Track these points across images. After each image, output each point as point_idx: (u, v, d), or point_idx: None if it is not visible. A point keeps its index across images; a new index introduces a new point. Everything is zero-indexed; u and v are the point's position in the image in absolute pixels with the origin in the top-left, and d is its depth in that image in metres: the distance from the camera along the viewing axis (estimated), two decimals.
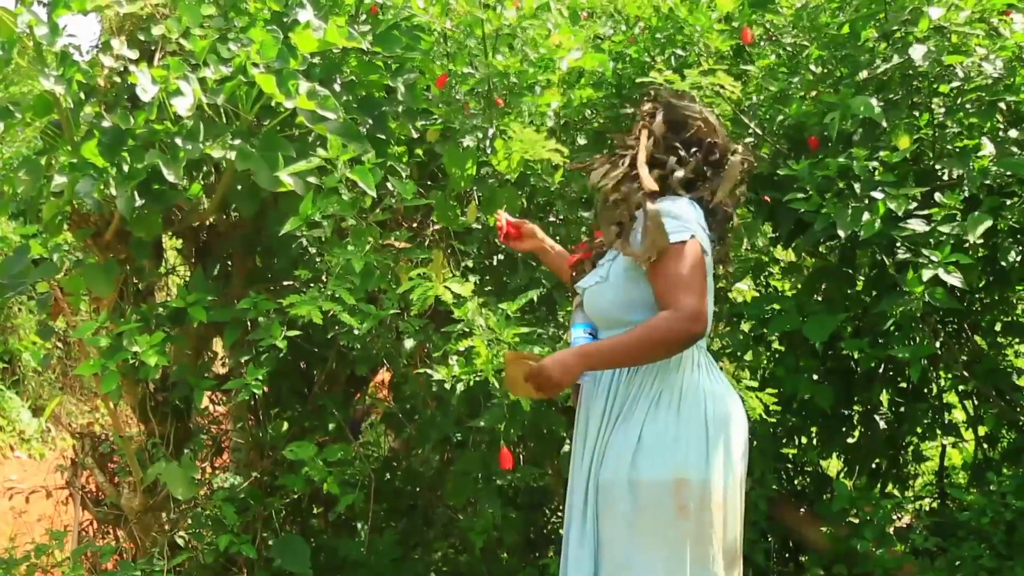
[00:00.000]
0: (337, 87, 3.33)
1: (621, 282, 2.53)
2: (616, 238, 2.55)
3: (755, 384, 3.09)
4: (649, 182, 2.52)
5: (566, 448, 3.66)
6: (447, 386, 3.17)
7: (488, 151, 3.40)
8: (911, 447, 4.35)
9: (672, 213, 2.45)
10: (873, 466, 4.32)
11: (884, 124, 3.28)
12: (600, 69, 3.53)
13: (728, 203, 2.61)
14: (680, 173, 2.56)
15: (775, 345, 4.19)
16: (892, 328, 3.49)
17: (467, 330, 2.96)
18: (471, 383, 3.02)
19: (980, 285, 3.73)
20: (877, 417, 4.17)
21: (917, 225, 3.19)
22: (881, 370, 4.04)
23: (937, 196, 3.19)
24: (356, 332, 3.29)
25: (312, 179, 3.05)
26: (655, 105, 2.68)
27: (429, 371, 3.21)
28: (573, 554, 2.53)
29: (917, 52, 3.21)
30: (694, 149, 2.60)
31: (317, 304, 2.99)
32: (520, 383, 2.49)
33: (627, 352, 2.40)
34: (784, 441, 4.26)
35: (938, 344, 3.67)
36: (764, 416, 3.09)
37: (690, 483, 2.43)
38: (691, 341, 2.38)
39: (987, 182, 3.22)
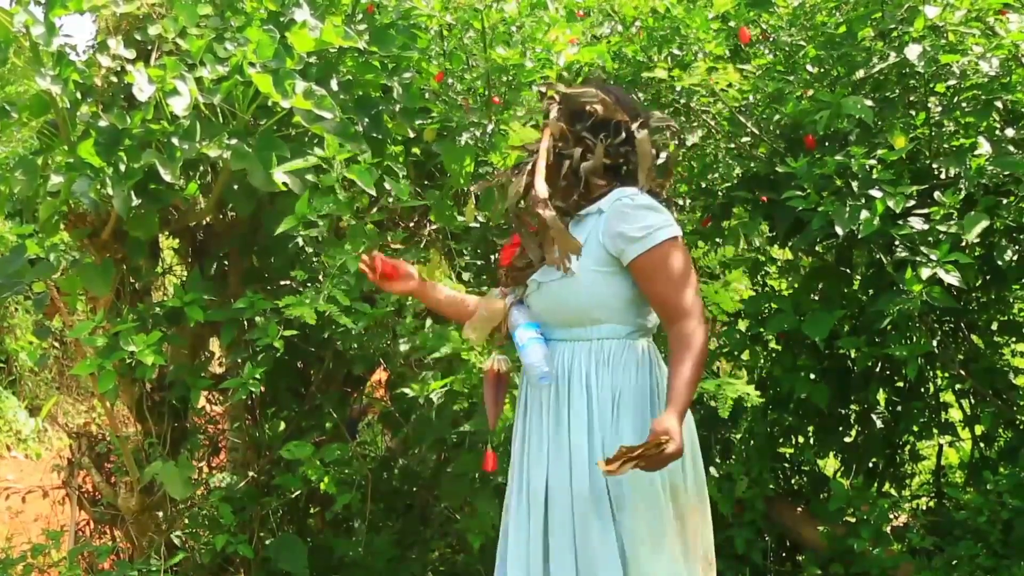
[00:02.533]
0: (334, 86, 3.33)
1: (592, 276, 2.42)
2: (540, 250, 2.47)
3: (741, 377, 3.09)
4: (541, 189, 2.43)
5: None
6: (420, 400, 3.20)
7: (487, 147, 3.41)
8: (908, 446, 4.35)
9: (650, 206, 2.40)
10: (870, 465, 4.33)
11: (875, 124, 3.28)
12: (600, 61, 3.51)
13: (659, 188, 2.52)
14: (589, 163, 2.45)
15: (772, 344, 4.19)
16: (889, 327, 3.49)
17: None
18: (454, 394, 3.03)
19: (977, 284, 3.73)
20: (874, 416, 4.17)
21: (916, 224, 3.19)
22: (878, 369, 4.05)
23: (936, 195, 3.19)
24: (352, 332, 3.30)
25: (309, 178, 3.05)
26: (550, 101, 2.56)
27: (405, 390, 3.24)
28: (567, 561, 2.39)
29: (913, 51, 3.21)
30: (602, 134, 2.48)
31: (312, 306, 2.99)
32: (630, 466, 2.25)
33: (694, 381, 2.30)
34: (781, 440, 4.26)
35: (935, 343, 3.68)
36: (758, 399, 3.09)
37: (687, 486, 2.45)
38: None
39: (983, 181, 3.23)
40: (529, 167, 2.51)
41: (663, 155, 2.59)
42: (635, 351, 2.45)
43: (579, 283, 2.42)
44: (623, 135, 2.48)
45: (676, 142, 2.66)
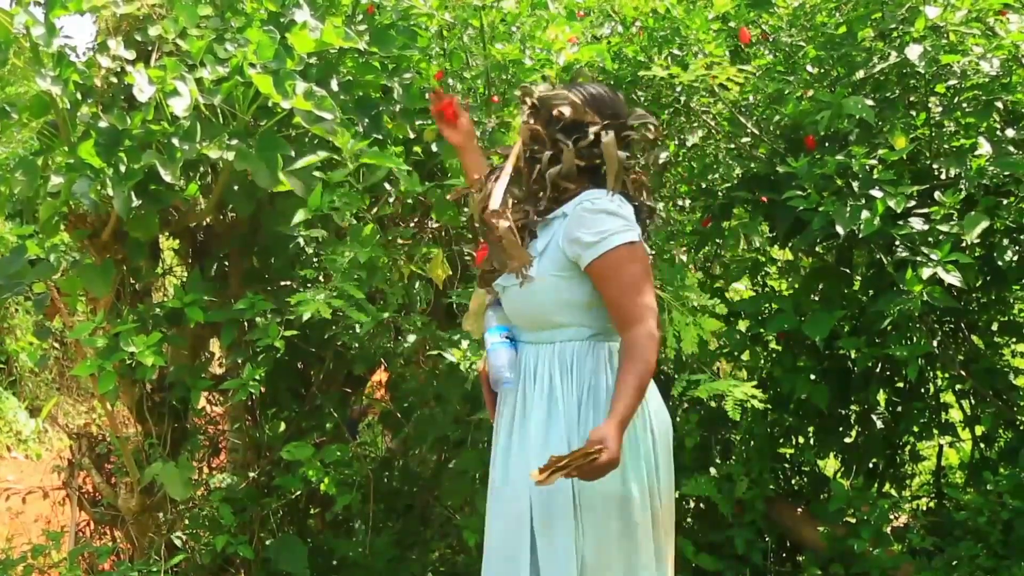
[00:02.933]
0: (334, 87, 3.33)
1: (553, 281, 2.40)
2: (504, 260, 2.46)
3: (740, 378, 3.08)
4: (494, 201, 2.45)
5: None
6: (462, 368, 3.17)
7: (487, 146, 3.40)
8: (908, 447, 4.35)
9: (609, 210, 2.36)
10: (870, 466, 4.33)
11: (875, 124, 3.28)
12: (599, 60, 3.51)
13: (640, 190, 2.50)
14: (555, 168, 2.43)
15: (772, 345, 4.19)
16: (889, 327, 3.49)
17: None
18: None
19: (977, 284, 3.73)
20: (874, 417, 4.18)
21: (916, 224, 3.19)
22: (878, 370, 4.05)
23: (937, 195, 3.19)
24: (355, 332, 3.30)
25: (317, 174, 3.05)
26: (524, 104, 2.55)
27: (443, 353, 3.21)
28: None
29: (914, 52, 3.21)
30: (576, 136, 2.45)
31: (325, 302, 2.98)
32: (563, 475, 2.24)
33: (638, 391, 2.25)
34: (781, 441, 4.26)
35: (935, 343, 3.68)
36: (760, 405, 3.08)
37: (660, 489, 2.43)
38: (661, 342, 2.33)
39: (984, 182, 3.23)
40: (496, 175, 2.53)
41: (651, 156, 2.56)
42: (599, 354, 2.42)
43: (540, 287, 2.41)
44: (591, 137, 2.44)
45: (658, 140, 2.59)
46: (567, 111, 2.45)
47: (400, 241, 3.44)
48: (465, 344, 3.23)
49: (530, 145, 2.49)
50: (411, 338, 3.51)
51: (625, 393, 2.23)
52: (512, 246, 2.40)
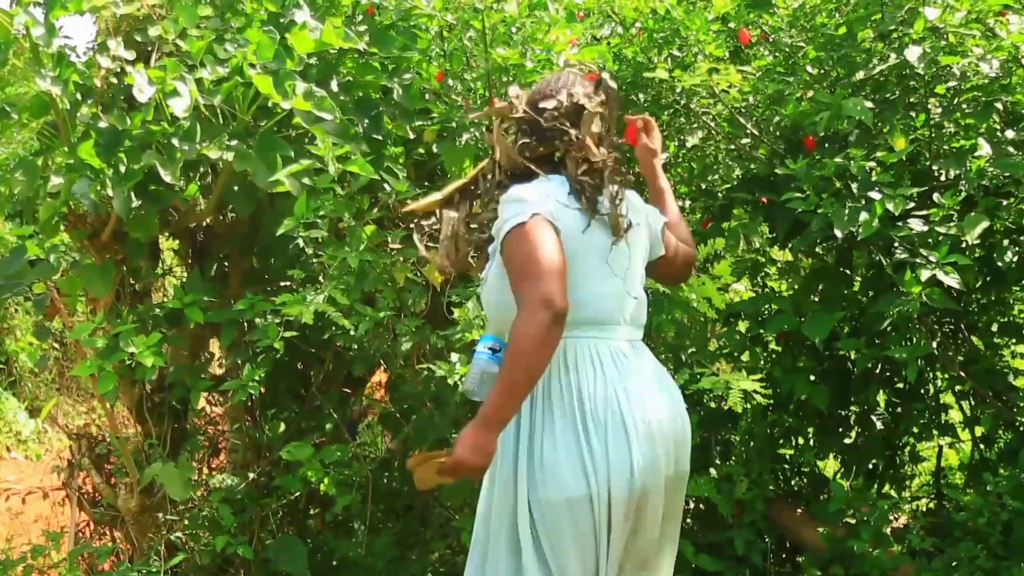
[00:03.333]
0: (334, 88, 3.33)
1: (496, 283, 2.39)
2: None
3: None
4: (423, 202, 2.63)
5: None
6: (450, 382, 3.17)
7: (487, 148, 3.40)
8: (908, 448, 4.35)
9: (513, 197, 2.33)
10: (870, 467, 4.32)
11: (875, 126, 3.28)
12: (600, 61, 3.51)
13: (592, 165, 2.42)
14: (496, 170, 2.50)
15: (772, 346, 4.19)
16: (889, 328, 3.48)
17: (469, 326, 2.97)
18: None
19: (977, 285, 3.73)
20: (874, 418, 4.17)
21: (915, 225, 3.19)
22: (878, 371, 4.04)
23: (936, 197, 3.19)
24: (352, 333, 3.30)
25: (306, 179, 3.05)
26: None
27: (431, 366, 3.21)
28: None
29: (913, 53, 3.21)
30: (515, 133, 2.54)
31: (309, 305, 2.99)
32: (433, 479, 2.28)
33: (512, 385, 2.17)
34: (781, 442, 4.26)
35: (935, 344, 3.67)
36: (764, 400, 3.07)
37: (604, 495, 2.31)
38: (555, 329, 2.17)
39: (983, 183, 3.22)
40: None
41: (584, 124, 2.46)
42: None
43: (488, 289, 2.45)
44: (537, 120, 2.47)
45: (587, 104, 2.50)
46: (506, 110, 2.53)
47: (395, 245, 3.44)
48: (455, 357, 3.22)
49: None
50: (405, 342, 3.50)
51: (495, 390, 2.19)
52: (447, 239, 2.53)
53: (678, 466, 2.46)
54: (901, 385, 4.15)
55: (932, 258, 3.09)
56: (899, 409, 4.17)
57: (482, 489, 2.48)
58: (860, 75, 3.41)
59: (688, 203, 4.10)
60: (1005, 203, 3.29)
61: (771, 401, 3.17)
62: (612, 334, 2.41)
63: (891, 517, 3.98)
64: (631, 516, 2.35)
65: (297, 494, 3.85)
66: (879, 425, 4.17)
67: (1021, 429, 3.91)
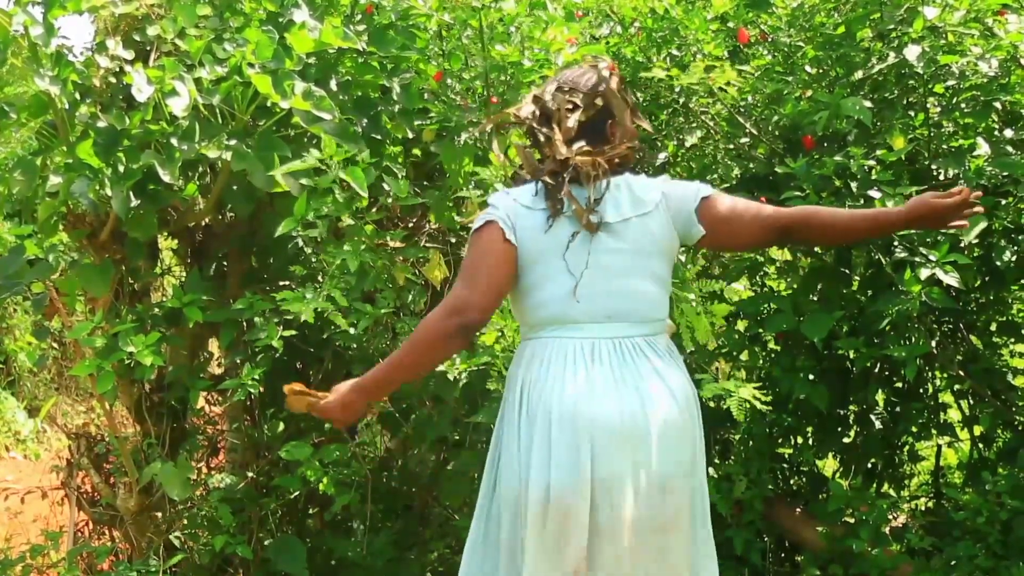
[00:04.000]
0: (333, 87, 3.33)
1: None
2: None
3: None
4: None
5: None
6: (450, 377, 3.17)
7: (486, 147, 3.41)
8: (907, 447, 4.35)
9: (489, 202, 2.42)
10: (869, 466, 4.32)
11: (874, 125, 3.28)
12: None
13: (560, 160, 2.37)
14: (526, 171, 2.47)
15: (771, 345, 4.19)
16: (888, 328, 3.49)
17: None
18: (472, 375, 3.02)
19: (975, 285, 3.73)
20: (873, 417, 4.17)
21: None
22: (877, 370, 4.05)
23: None
24: (352, 332, 3.30)
25: (305, 180, 3.04)
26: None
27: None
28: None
29: (912, 52, 3.21)
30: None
31: (310, 303, 2.99)
32: (301, 410, 2.45)
33: (397, 366, 2.30)
34: (780, 441, 4.26)
35: (934, 344, 3.68)
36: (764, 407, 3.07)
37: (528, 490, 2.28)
38: (456, 339, 2.25)
39: (982, 182, 3.23)
40: None
41: (568, 119, 2.43)
42: (523, 349, 2.42)
43: None
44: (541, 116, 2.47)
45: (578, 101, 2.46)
46: (523, 114, 2.49)
47: (395, 244, 3.44)
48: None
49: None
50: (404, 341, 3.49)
51: (381, 364, 2.35)
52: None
53: (642, 468, 2.30)
54: (900, 384, 4.15)
55: (931, 257, 3.09)
56: (898, 408, 4.17)
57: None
58: (859, 74, 3.41)
59: None
60: (1004, 202, 3.29)
61: (770, 404, 3.17)
62: (579, 332, 2.35)
63: (890, 516, 3.98)
64: (555, 520, 2.26)
65: (296, 493, 3.85)
66: (878, 424, 4.17)
67: (1020, 428, 3.92)
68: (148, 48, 3.37)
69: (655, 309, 2.42)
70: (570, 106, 2.42)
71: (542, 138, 2.43)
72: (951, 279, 3.06)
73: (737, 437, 4.18)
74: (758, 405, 3.01)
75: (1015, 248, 3.38)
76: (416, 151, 3.65)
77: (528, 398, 2.33)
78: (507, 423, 2.37)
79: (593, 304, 2.35)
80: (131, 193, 3.13)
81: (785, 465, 4.31)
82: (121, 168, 3.07)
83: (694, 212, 2.42)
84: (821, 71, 3.57)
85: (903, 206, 2.40)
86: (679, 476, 2.37)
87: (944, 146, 3.46)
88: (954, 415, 4.39)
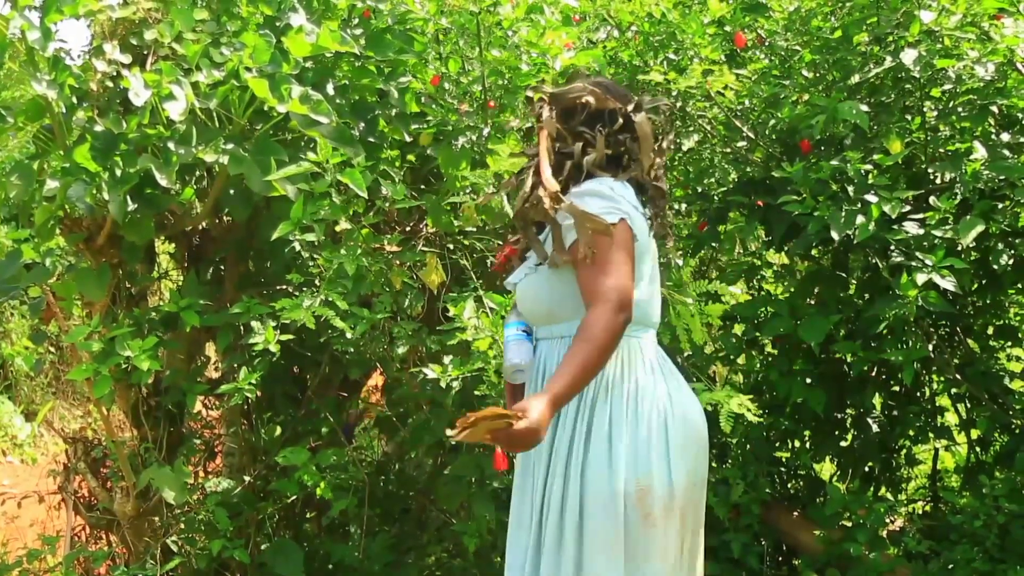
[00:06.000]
0: (330, 91, 3.33)
1: (548, 274, 2.38)
2: (545, 252, 2.40)
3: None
4: (551, 183, 2.35)
5: None
6: (443, 384, 3.17)
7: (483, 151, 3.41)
8: (904, 450, 4.35)
9: (597, 192, 2.33)
10: (866, 469, 4.33)
11: (870, 129, 3.29)
12: (595, 65, 3.51)
13: (658, 173, 2.47)
14: (591, 155, 2.39)
15: (768, 349, 4.19)
16: (885, 331, 3.49)
17: (463, 327, 2.97)
18: (465, 382, 3.02)
19: (972, 288, 3.74)
20: (870, 421, 4.17)
21: (911, 228, 3.19)
22: (874, 374, 4.05)
23: (932, 200, 3.19)
24: (349, 336, 3.29)
25: (302, 184, 3.04)
26: (541, 102, 2.49)
27: (424, 370, 3.21)
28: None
29: (909, 56, 3.21)
30: (598, 125, 2.42)
31: (310, 309, 2.99)
32: (482, 438, 2.09)
33: (586, 372, 2.16)
34: (777, 445, 4.26)
35: (931, 347, 3.68)
36: (755, 418, 3.07)
37: (652, 489, 2.31)
38: (624, 328, 2.22)
39: (979, 186, 3.23)
40: (532, 169, 2.45)
41: (666, 138, 2.55)
42: (619, 349, 2.36)
43: (539, 280, 2.41)
44: (620, 121, 2.44)
45: (669, 126, 2.61)
46: (592, 100, 2.44)
47: (392, 248, 3.44)
48: (447, 359, 3.22)
49: (554, 142, 2.46)
50: (401, 345, 3.49)
51: (565, 372, 2.14)
52: (584, 216, 2.29)
53: (704, 470, 2.47)
54: (897, 388, 4.16)
55: (928, 261, 3.09)
56: (895, 412, 4.17)
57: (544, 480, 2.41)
58: (856, 78, 3.42)
59: (684, 206, 4.11)
60: (1000, 206, 3.30)
61: (766, 409, 3.17)
62: (653, 336, 2.47)
63: (887, 520, 3.99)
64: (674, 516, 2.35)
65: (293, 498, 3.84)
66: (875, 428, 4.17)
67: (1017, 432, 3.92)
68: (145, 52, 3.37)
69: None
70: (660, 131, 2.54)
71: (659, 143, 2.50)
72: (948, 283, 3.07)
73: (734, 441, 4.18)
74: (750, 416, 3.01)
75: (1012, 252, 3.38)
76: (411, 156, 3.65)
77: (639, 396, 2.35)
78: (613, 419, 2.34)
79: (658, 308, 2.48)
80: (128, 197, 3.12)
81: (782, 469, 4.31)
82: (118, 172, 3.06)
83: None
84: (818, 75, 3.58)
85: None
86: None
87: (941, 150, 3.46)
88: (951, 419, 4.39)
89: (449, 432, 2.00)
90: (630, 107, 2.45)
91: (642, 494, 2.29)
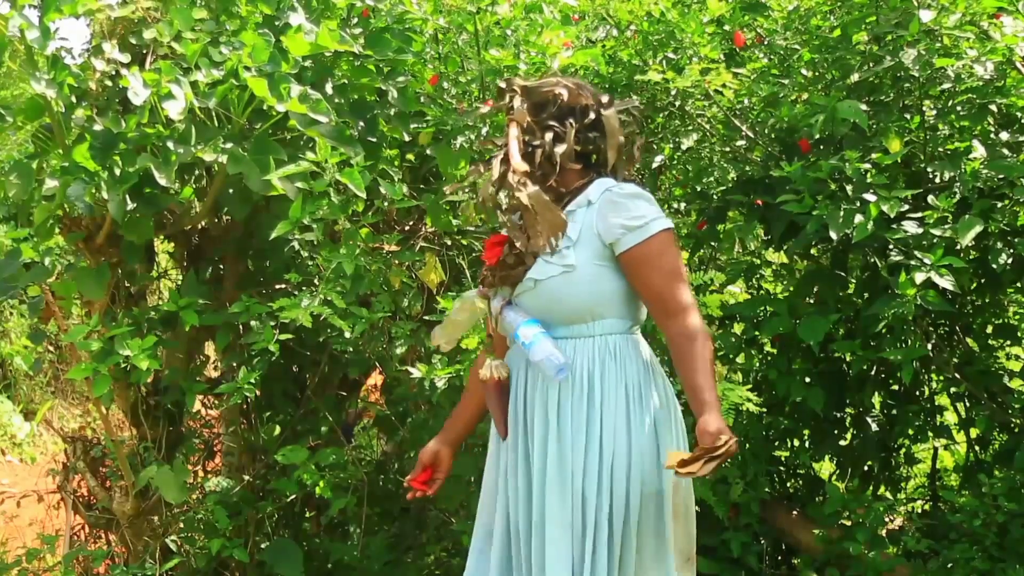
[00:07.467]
0: (329, 90, 3.33)
1: (594, 270, 2.35)
2: (528, 239, 2.39)
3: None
4: (520, 164, 2.36)
5: None
6: (425, 384, 3.18)
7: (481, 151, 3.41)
8: (903, 449, 4.35)
9: (644, 196, 2.37)
10: (865, 468, 4.33)
11: (869, 128, 3.28)
12: (594, 64, 3.51)
13: (627, 176, 2.50)
14: (561, 147, 2.39)
15: (767, 348, 4.19)
16: (884, 331, 3.49)
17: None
18: (455, 381, 3.02)
19: (971, 288, 3.74)
20: (869, 420, 4.17)
21: (910, 227, 3.19)
22: (873, 373, 4.05)
23: (931, 199, 3.19)
24: (348, 336, 3.29)
25: (301, 183, 3.04)
26: (512, 94, 2.49)
27: (410, 368, 3.22)
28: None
29: (908, 55, 3.21)
30: (569, 120, 2.43)
31: (308, 308, 2.99)
32: (706, 471, 2.11)
33: (713, 373, 2.26)
34: (776, 444, 4.26)
35: (930, 347, 3.68)
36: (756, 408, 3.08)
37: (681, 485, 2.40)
38: None
39: (978, 185, 3.23)
40: (501, 157, 2.43)
41: (636, 143, 2.57)
42: (638, 345, 2.44)
43: (580, 278, 2.35)
44: (591, 116, 2.45)
45: (638, 128, 2.62)
46: (564, 94, 2.45)
47: (391, 247, 3.44)
48: (436, 359, 3.23)
49: (523, 134, 2.45)
50: (400, 345, 3.50)
51: (709, 382, 2.22)
52: (545, 207, 2.32)
53: None
54: (896, 387, 4.15)
55: (927, 260, 3.09)
56: (894, 411, 4.17)
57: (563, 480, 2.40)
58: (855, 77, 3.41)
59: (683, 205, 4.11)
60: (999, 205, 3.29)
61: (765, 407, 3.18)
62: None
63: (886, 519, 3.99)
64: (689, 508, 2.48)
65: (292, 497, 3.84)
66: (874, 427, 4.17)
67: (1016, 431, 3.92)
68: (144, 51, 3.36)
69: None
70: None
71: (631, 144, 2.55)
72: (947, 282, 3.06)
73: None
74: (751, 407, 3.02)
75: (1011, 251, 3.38)
76: (410, 156, 3.65)
77: (666, 390, 2.45)
78: (661, 415, 2.39)
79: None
80: (127, 196, 3.12)
81: (782, 468, 4.31)
82: (117, 171, 3.06)
83: None
84: (817, 74, 3.58)
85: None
86: None
87: (940, 149, 3.46)
88: (950, 418, 4.39)
89: (676, 467, 2.10)
90: (603, 104, 2.47)
91: (676, 486, 2.36)
